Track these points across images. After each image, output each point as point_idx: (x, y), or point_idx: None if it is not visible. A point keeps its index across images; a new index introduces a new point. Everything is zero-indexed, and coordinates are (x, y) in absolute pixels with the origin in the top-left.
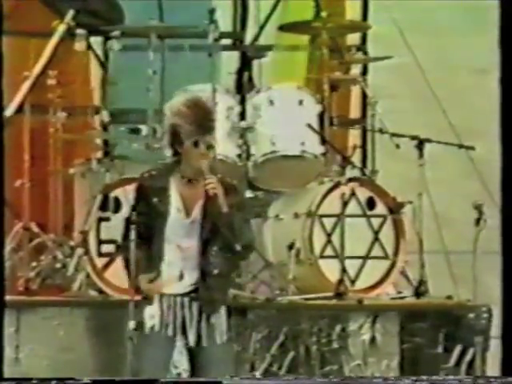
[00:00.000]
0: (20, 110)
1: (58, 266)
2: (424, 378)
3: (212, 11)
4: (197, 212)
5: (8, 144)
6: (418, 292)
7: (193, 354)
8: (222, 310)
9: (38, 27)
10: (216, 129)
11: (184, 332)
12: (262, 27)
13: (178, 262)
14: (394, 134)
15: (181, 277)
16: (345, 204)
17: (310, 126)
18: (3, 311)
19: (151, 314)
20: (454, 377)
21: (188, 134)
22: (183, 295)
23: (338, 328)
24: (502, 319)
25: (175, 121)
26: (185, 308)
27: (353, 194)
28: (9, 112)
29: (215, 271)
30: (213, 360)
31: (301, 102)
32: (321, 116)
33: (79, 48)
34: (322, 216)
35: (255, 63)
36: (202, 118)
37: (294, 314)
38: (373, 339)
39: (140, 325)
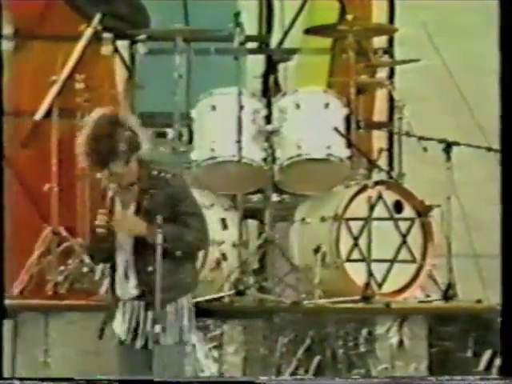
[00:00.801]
0: (48, 114)
1: (86, 270)
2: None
3: (237, 14)
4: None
5: (36, 148)
6: (447, 296)
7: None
8: (171, 310)
9: (66, 31)
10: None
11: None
12: (287, 31)
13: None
14: (421, 137)
15: (126, 277)
16: (372, 207)
17: (336, 129)
18: (3, 310)
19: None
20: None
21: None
22: (134, 298)
23: (364, 331)
24: (501, 319)
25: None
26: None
27: (380, 197)
28: (37, 116)
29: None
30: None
31: (327, 106)
32: (347, 119)
33: (106, 52)
34: (348, 219)
35: (281, 66)
36: (98, 152)
37: (321, 317)
38: (400, 343)
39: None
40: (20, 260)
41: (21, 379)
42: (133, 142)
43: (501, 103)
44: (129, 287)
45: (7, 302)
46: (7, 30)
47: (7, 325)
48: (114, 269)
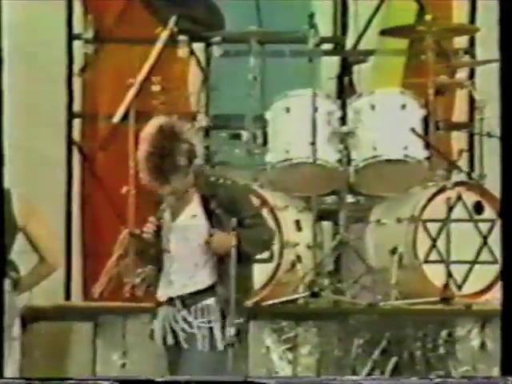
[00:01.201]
0: (125, 116)
1: None
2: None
3: (312, 16)
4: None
5: (114, 151)
6: None
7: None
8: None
9: (143, 34)
10: None
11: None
12: (362, 32)
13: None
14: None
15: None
16: (450, 208)
17: (413, 130)
18: (3, 311)
19: None
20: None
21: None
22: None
23: (444, 333)
24: (501, 319)
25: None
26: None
27: (459, 198)
28: (116, 119)
29: None
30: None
31: (403, 107)
32: (425, 120)
33: (182, 54)
34: (426, 221)
35: (355, 68)
36: (159, 169)
37: (397, 319)
38: (482, 345)
39: None
40: (99, 262)
41: (23, 379)
42: (191, 153)
43: (501, 103)
44: None
45: (88, 304)
46: (87, 33)
47: (87, 326)
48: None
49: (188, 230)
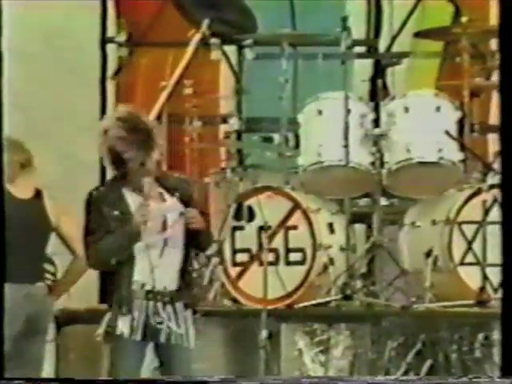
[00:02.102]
0: (158, 119)
1: (194, 275)
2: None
3: (345, 19)
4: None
5: None
6: None
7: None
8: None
9: (175, 37)
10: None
11: None
12: (396, 35)
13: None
14: None
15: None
16: (486, 211)
17: (447, 132)
18: (3, 311)
19: None
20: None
21: (132, 159)
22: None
23: (480, 336)
24: (501, 318)
25: (115, 145)
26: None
27: (495, 200)
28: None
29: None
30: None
31: (438, 109)
32: (460, 123)
33: (215, 57)
34: (461, 223)
35: (389, 70)
36: (143, 141)
37: (432, 321)
38: None
39: None
40: None
41: (22, 379)
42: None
43: (501, 103)
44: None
45: None
46: (121, 36)
47: None
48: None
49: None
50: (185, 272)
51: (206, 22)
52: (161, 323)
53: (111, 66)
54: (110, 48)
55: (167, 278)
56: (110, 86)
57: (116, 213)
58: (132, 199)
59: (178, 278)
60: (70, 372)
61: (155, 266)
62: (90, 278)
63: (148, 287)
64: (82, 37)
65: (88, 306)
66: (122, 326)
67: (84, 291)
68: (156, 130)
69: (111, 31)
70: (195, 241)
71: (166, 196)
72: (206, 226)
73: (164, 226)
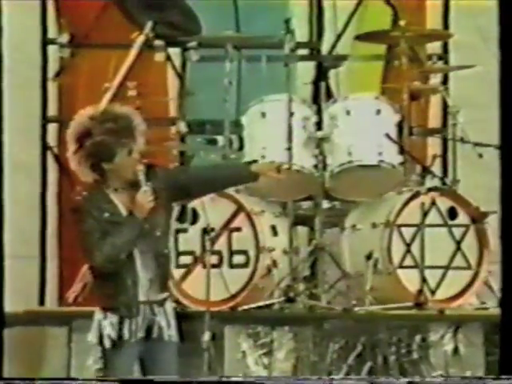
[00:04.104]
0: None
1: None
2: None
3: (288, 21)
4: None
5: None
6: None
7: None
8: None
9: (119, 39)
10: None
11: None
12: (338, 37)
13: None
14: (476, 144)
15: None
16: (425, 214)
17: (387, 135)
18: (3, 312)
19: None
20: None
21: (119, 147)
22: None
23: (418, 338)
24: (501, 318)
25: (104, 140)
26: None
27: (433, 203)
28: None
29: None
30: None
31: (378, 112)
32: (399, 126)
33: (159, 59)
34: (400, 226)
35: (331, 73)
36: (126, 127)
37: (372, 324)
38: (455, 350)
39: None
40: (74, 268)
41: (22, 379)
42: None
43: (500, 103)
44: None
45: (62, 309)
46: (63, 37)
47: (62, 331)
48: None
49: None
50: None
51: (149, 24)
52: (154, 321)
53: (53, 68)
54: (52, 49)
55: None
56: (52, 88)
57: (106, 215)
58: (118, 199)
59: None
60: (11, 374)
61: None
62: (30, 281)
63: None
64: (22, 37)
65: (27, 308)
66: (127, 328)
67: (23, 293)
68: (134, 116)
69: (53, 32)
70: None
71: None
72: None
73: None
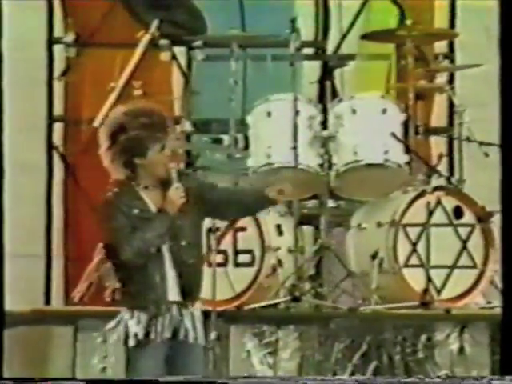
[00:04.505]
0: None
1: None
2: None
3: (294, 20)
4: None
5: (95, 155)
6: None
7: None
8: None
9: (124, 38)
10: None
11: None
12: (344, 36)
13: None
14: (482, 143)
15: None
16: (430, 213)
17: (393, 134)
18: (3, 313)
19: None
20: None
21: (153, 142)
22: None
23: (423, 338)
24: (501, 318)
25: (138, 134)
26: None
27: (439, 202)
28: (96, 123)
29: None
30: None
31: (384, 111)
32: (405, 125)
33: (164, 58)
34: (406, 225)
35: (337, 72)
36: (160, 124)
37: (378, 323)
38: (461, 349)
39: None
40: (80, 267)
41: (22, 379)
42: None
43: (501, 104)
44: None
45: (68, 308)
46: (68, 37)
47: (67, 330)
48: None
49: None
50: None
51: (155, 23)
52: (180, 323)
53: (58, 67)
54: (58, 48)
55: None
56: (58, 87)
57: (136, 211)
58: (148, 197)
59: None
60: (16, 374)
61: None
62: (36, 280)
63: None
64: (28, 37)
65: (33, 307)
66: (154, 328)
67: (29, 293)
68: (166, 114)
69: (58, 31)
70: None
71: None
72: None
73: None
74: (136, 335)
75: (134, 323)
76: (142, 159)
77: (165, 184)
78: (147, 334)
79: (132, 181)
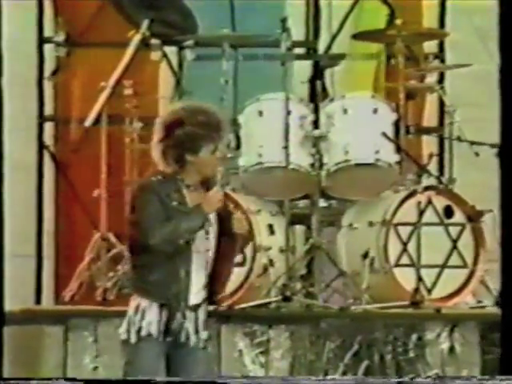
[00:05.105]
0: (97, 120)
1: None
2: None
3: (284, 20)
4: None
5: (86, 154)
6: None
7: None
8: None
9: (115, 38)
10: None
11: None
12: (334, 36)
13: None
14: (473, 142)
15: None
16: (421, 213)
17: (384, 134)
18: (3, 314)
19: None
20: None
21: (207, 141)
22: None
23: (414, 337)
24: (501, 318)
25: (194, 131)
26: None
27: (429, 202)
28: (87, 122)
29: None
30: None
31: (375, 111)
32: (396, 124)
33: (155, 58)
34: (397, 224)
35: (328, 72)
36: (216, 125)
37: (369, 323)
38: (451, 349)
39: None
40: (71, 266)
41: (21, 379)
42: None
43: (501, 104)
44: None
45: (59, 307)
46: (59, 36)
47: (58, 329)
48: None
49: None
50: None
51: (145, 23)
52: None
53: (49, 66)
54: (48, 48)
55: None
56: (48, 87)
57: (174, 203)
58: (188, 195)
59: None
60: (6, 374)
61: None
62: (27, 279)
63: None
64: (18, 36)
65: (23, 307)
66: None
67: (19, 292)
68: (224, 120)
69: (49, 31)
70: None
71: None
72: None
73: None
74: (152, 326)
75: (154, 314)
76: (193, 156)
77: (207, 185)
78: (166, 329)
79: (178, 175)
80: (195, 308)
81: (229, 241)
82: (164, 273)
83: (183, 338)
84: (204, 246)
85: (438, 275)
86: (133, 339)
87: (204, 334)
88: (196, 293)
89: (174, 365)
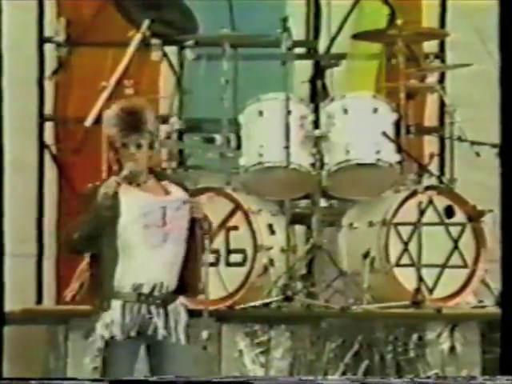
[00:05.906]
0: (98, 120)
1: None
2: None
3: (285, 20)
4: None
5: (86, 154)
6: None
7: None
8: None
9: (115, 38)
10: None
11: None
12: (335, 36)
13: None
14: (473, 142)
15: None
16: (422, 212)
17: (385, 134)
18: (3, 314)
19: None
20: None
21: (117, 138)
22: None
23: (414, 337)
24: (502, 318)
25: (108, 131)
26: None
27: (430, 202)
28: (88, 122)
29: None
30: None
31: (375, 111)
32: (397, 124)
33: (155, 57)
34: (397, 224)
35: (328, 72)
36: (127, 120)
37: (369, 322)
38: (452, 348)
39: None
40: (72, 267)
41: (21, 379)
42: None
43: (501, 104)
44: None
45: (60, 307)
46: (59, 36)
47: (59, 329)
48: None
49: None
50: (186, 269)
51: (146, 23)
52: (150, 319)
53: (50, 66)
54: (49, 48)
55: (166, 275)
56: (49, 86)
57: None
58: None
59: (177, 276)
60: (6, 374)
61: (151, 263)
62: (27, 279)
63: (143, 289)
64: (19, 36)
65: (24, 307)
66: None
67: (20, 292)
68: (150, 113)
69: (49, 31)
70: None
71: (172, 188)
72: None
73: (164, 221)
74: (115, 327)
75: (100, 325)
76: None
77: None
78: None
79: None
80: (163, 304)
81: (192, 228)
82: (105, 271)
83: (151, 333)
84: (158, 239)
85: (439, 275)
86: (99, 343)
87: (180, 329)
88: (153, 285)
89: (153, 361)
